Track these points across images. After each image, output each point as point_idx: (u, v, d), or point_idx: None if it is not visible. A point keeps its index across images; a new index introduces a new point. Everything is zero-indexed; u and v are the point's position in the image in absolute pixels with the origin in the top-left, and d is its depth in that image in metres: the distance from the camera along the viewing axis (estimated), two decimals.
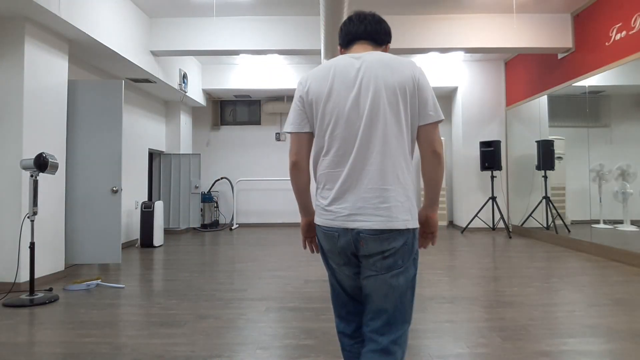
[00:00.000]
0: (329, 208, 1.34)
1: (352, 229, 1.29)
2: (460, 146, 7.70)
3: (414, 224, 1.32)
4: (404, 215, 1.29)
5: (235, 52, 5.71)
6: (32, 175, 3.27)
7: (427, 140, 1.31)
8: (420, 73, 1.34)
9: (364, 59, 1.34)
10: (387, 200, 1.28)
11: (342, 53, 1.48)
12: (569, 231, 5.67)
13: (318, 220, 1.40)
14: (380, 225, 1.27)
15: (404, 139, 1.31)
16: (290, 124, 1.40)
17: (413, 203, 1.33)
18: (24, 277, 3.64)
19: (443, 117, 1.32)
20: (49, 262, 3.96)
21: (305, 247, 1.55)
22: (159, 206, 6.09)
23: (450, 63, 7.65)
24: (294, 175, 1.41)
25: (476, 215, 7.16)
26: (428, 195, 1.38)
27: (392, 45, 5.56)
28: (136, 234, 6.34)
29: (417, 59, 7.51)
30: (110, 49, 4.57)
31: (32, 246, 3.32)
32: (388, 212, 1.27)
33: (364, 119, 1.29)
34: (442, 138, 8.17)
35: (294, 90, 7.91)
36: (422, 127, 1.32)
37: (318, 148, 1.39)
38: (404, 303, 1.33)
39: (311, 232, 1.51)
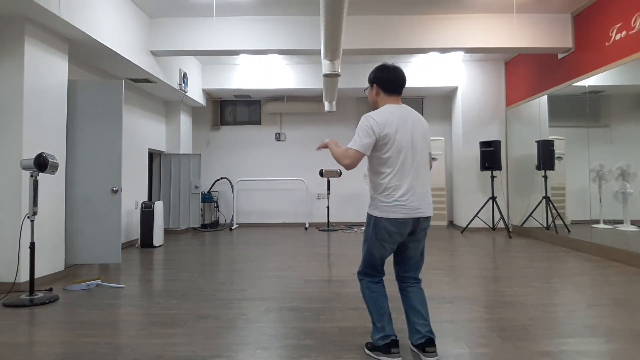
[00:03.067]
0: (397, 203, 2.10)
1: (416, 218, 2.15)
2: (460, 146, 7.71)
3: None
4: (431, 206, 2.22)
5: (235, 52, 5.71)
6: (32, 175, 3.27)
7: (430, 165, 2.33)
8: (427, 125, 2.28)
9: (408, 113, 2.17)
10: (430, 199, 2.19)
11: (377, 93, 2.25)
12: (569, 231, 5.67)
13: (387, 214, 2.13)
14: (430, 213, 2.19)
15: (428, 162, 2.24)
16: (360, 146, 2.10)
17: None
18: (24, 277, 3.64)
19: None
20: (49, 262, 3.96)
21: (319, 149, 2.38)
22: (159, 206, 6.09)
23: (450, 63, 7.65)
24: (349, 168, 2.14)
25: (476, 215, 7.16)
26: None
27: (393, 45, 5.59)
28: (136, 234, 6.34)
29: (417, 59, 7.52)
30: (110, 49, 4.57)
31: (32, 246, 3.32)
32: (430, 206, 2.19)
33: (418, 151, 2.15)
34: (442, 138, 8.18)
35: (294, 90, 7.93)
36: None
37: (386, 166, 2.12)
38: (423, 255, 2.27)
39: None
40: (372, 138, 2.10)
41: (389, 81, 2.20)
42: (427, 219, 2.17)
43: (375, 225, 2.14)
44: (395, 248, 2.18)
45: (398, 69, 2.22)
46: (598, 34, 5.07)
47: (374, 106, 2.29)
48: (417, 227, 2.13)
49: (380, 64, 2.26)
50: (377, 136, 2.09)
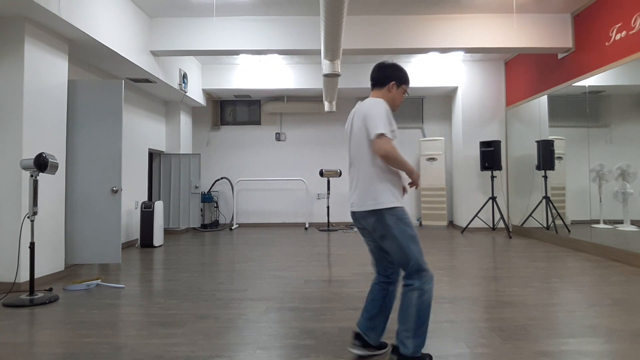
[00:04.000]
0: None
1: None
2: (460, 146, 7.71)
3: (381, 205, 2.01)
4: (369, 201, 2.02)
5: (235, 52, 5.71)
6: (32, 175, 3.27)
7: (373, 149, 2.00)
8: (370, 107, 2.03)
9: (361, 105, 2.11)
10: (364, 193, 2.05)
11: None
12: (569, 231, 5.67)
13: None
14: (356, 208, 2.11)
15: (369, 153, 2.04)
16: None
17: (377, 190, 2.00)
18: (24, 277, 3.64)
19: (378, 131, 1.93)
20: (49, 262, 3.96)
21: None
22: (159, 206, 6.09)
23: (450, 63, 7.65)
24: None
25: (476, 215, 7.16)
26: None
27: (393, 45, 5.58)
28: (136, 234, 6.34)
29: (417, 59, 7.51)
30: (110, 49, 4.57)
31: (32, 246, 3.32)
32: (363, 200, 2.06)
33: (353, 142, 2.12)
34: (442, 138, 8.14)
35: (293, 90, 7.93)
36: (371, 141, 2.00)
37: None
38: (404, 254, 1.97)
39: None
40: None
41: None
42: (363, 215, 2.05)
43: None
44: (371, 242, 2.20)
45: (376, 65, 2.28)
46: (598, 34, 5.07)
47: None
48: (356, 222, 2.17)
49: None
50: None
